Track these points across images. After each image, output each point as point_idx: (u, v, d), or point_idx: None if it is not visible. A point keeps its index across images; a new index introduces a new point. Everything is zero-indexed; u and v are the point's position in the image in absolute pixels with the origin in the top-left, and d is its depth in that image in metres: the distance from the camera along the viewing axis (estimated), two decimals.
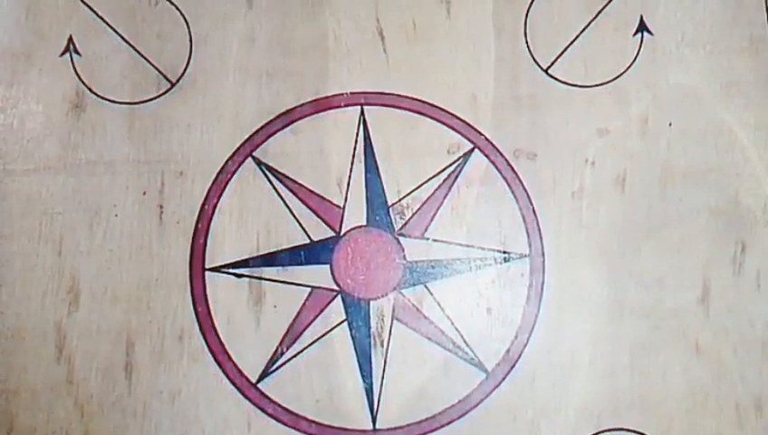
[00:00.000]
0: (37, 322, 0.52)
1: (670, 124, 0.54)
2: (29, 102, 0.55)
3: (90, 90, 0.55)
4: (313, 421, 0.52)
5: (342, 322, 0.53)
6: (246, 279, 0.53)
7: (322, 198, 0.54)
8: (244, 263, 0.53)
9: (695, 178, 0.54)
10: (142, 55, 0.55)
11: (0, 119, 0.55)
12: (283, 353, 0.52)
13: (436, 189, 0.54)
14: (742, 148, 0.55)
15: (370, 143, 0.54)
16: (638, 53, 0.56)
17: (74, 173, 0.54)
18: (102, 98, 0.54)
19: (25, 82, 0.55)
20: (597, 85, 0.55)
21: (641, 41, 0.56)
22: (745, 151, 0.55)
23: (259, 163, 0.54)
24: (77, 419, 0.51)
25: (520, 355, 0.53)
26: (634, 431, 0.52)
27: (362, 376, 0.52)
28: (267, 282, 0.53)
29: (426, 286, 0.53)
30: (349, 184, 0.54)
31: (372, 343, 0.53)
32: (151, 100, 0.54)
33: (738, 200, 0.54)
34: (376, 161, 0.54)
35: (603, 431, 0.52)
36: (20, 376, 0.52)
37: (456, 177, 0.54)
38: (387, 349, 0.53)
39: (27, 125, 0.54)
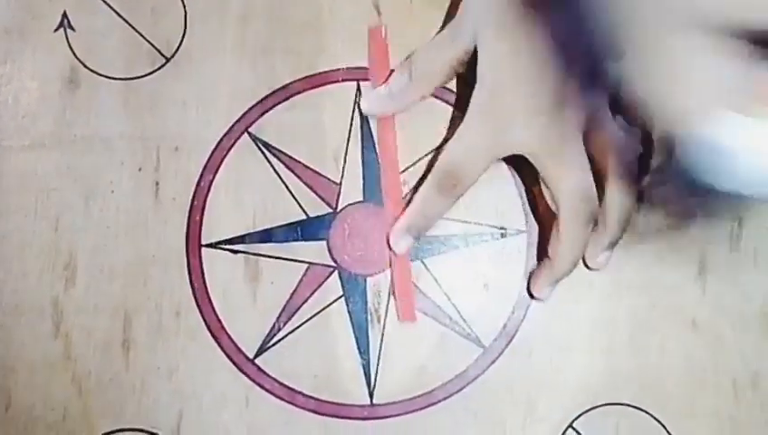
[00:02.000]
0: (34, 298, 0.52)
1: None
2: (23, 79, 0.54)
3: (84, 65, 0.54)
4: (311, 396, 0.52)
5: (339, 298, 0.53)
6: (243, 255, 0.53)
7: (319, 173, 0.53)
8: (240, 239, 0.53)
9: None
10: (137, 30, 0.54)
11: None
12: (280, 329, 0.52)
13: None
14: None
15: (367, 119, 0.54)
16: None
17: (70, 150, 0.54)
18: (97, 73, 0.54)
19: (19, 58, 0.55)
20: None
21: None
22: None
23: (255, 139, 0.54)
24: (75, 394, 0.52)
25: (517, 330, 0.53)
26: (631, 407, 0.52)
27: (359, 351, 0.52)
28: (264, 258, 0.53)
29: (423, 262, 0.53)
30: (345, 160, 0.53)
31: (369, 318, 0.53)
32: (146, 75, 0.54)
33: None
34: (373, 137, 0.54)
35: (600, 406, 0.52)
36: (17, 352, 0.52)
37: None
38: (384, 325, 0.53)
39: (22, 101, 0.54)
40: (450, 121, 0.54)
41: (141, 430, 0.52)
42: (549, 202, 0.50)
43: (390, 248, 0.53)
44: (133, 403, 0.52)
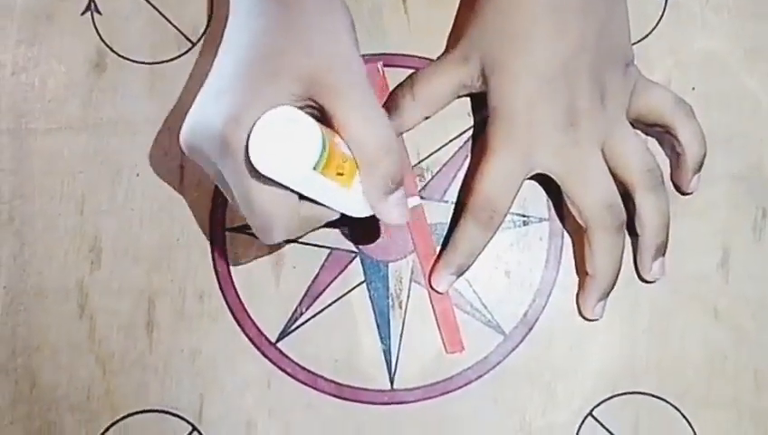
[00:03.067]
0: (59, 280, 0.53)
1: (693, 89, 0.54)
2: (50, 62, 0.55)
3: (111, 49, 0.55)
4: (332, 381, 0.52)
5: (361, 283, 0.53)
6: None
7: None
8: None
9: (717, 144, 0.54)
10: (163, 15, 0.55)
11: (21, 78, 0.55)
12: (302, 314, 0.53)
13: (457, 152, 0.54)
14: (765, 113, 0.55)
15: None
16: (661, 17, 0.55)
17: (96, 133, 0.54)
18: (123, 57, 0.55)
19: (47, 41, 0.55)
20: None
21: (665, 4, 0.55)
22: None
23: None
24: (99, 375, 0.52)
25: (537, 318, 0.53)
26: (651, 395, 0.52)
27: (380, 337, 0.53)
28: (286, 242, 0.53)
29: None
30: None
31: (391, 304, 0.53)
32: (172, 60, 0.54)
33: (761, 166, 0.54)
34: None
35: (620, 395, 0.52)
36: (42, 334, 0.53)
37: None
38: (405, 311, 0.53)
39: (48, 84, 0.55)
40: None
41: (164, 412, 0.52)
42: (577, 218, 0.50)
43: (431, 287, 0.53)
44: (156, 385, 0.52)
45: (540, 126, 0.49)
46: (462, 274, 0.52)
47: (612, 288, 0.51)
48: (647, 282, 0.53)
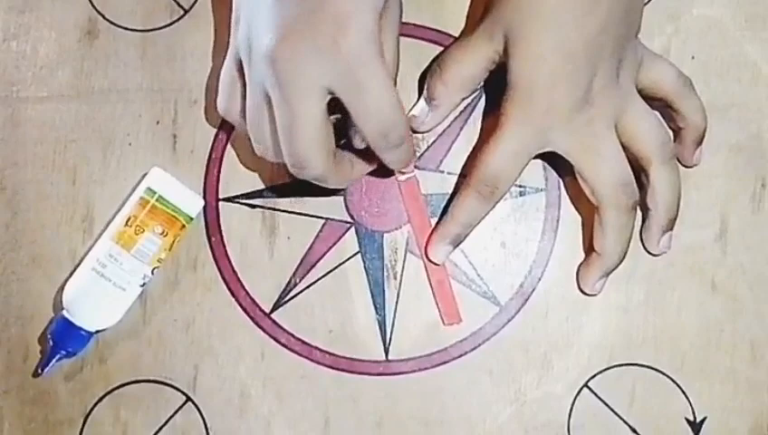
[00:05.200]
0: (52, 249, 0.53)
1: (693, 57, 0.53)
2: (41, 29, 0.54)
3: (103, 16, 0.54)
4: (327, 351, 0.52)
5: (356, 253, 0.53)
6: (260, 209, 0.53)
7: None
8: (258, 193, 0.53)
9: (716, 113, 0.53)
10: None
11: (13, 46, 0.54)
12: (296, 284, 0.52)
13: (452, 122, 0.54)
14: (765, 83, 0.54)
15: None
16: None
17: (87, 101, 0.53)
18: (115, 25, 0.54)
19: (38, 8, 0.54)
20: None
21: None
22: None
23: None
24: (92, 346, 0.52)
25: (533, 289, 0.53)
26: (647, 367, 0.52)
27: (375, 308, 0.52)
28: (281, 212, 0.53)
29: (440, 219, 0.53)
30: None
31: (386, 275, 0.53)
32: (164, 27, 0.54)
33: (760, 136, 0.53)
34: None
35: (615, 366, 0.52)
36: (35, 303, 0.52)
37: (473, 109, 0.54)
38: (400, 281, 0.53)
39: (40, 52, 0.54)
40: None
41: (158, 382, 0.52)
42: (589, 196, 0.50)
43: (428, 257, 0.52)
44: (150, 355, 0.52)
45: (559, 106, 0.48)
46: (458, 245, 0.52)
47: (617, 267, 0.51)
48: (653, 255, 0.52)
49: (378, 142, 0.44)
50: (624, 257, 0.51)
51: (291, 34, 0.41)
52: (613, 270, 0.51)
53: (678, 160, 0.52)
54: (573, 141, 0.49)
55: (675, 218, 0.51)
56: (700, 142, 0.52)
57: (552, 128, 0.48)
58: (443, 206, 0.53)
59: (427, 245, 0.52)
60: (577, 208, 0.53)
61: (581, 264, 0.52)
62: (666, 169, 0.50)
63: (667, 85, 0.51)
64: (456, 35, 0.54)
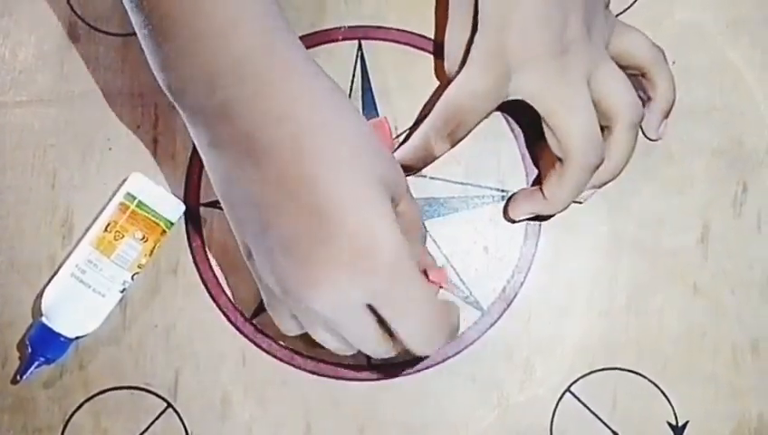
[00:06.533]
0: (31, 255, 0.52)
1: (674, 62, 0.53)
2: (21, 33, 0.54)
3: (83, 20, 0.54)
4: (308, 356, 0.52)
5: None
6: None
7: None
8: None
9: (698, 117, 0.53)
10: None
11: None
12: None
13: None
14: (747, 87, 0.54)
15: (368, 78, 0.53)
16: None
17: (67, 105, 0.53)
18: (96, 29, 0.54)
19: (17, 11, 0.54)
20: None
21: None
22: (750, 91, 0.54)
23: None
24: (72, 352, 0.51)
25: (516, 294, 0.53)
26: (629, 371, 0.52)
27: None
28: None
29: (422, 224, 0.53)
30: None
31: None
32: None
33: (741, 141, 0.54)
34: (374, 97, 0.53)
35: (598, 371, 0.52)
36: (14, 308, 0.52)
37: None
38: None
39: (19, 56, 0.54)
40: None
41: (138, 388, 0.52)
42: (554, 150, 0.49)
43: None
44: (130, 361, 0.52)
45: (530, 49, 0.47)
46: (408, 174, 0.51)
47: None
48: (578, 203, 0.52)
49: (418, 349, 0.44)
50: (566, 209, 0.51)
51: (316, 271, 0.40)
52: (552, 216, 0.51)
53: (644, 134, 0.52)
54: (545, 89, 0.48)
55: (612, 180, 0.51)
56: (667, 115, 0.52)
57: (522, 72, 0.48)
58: (424, 210, 0.53)
59: None
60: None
61: (521, 191, 0.52)
62: (628, 134, 0.49)
63: (639, 53, 0.51)
64: (439, 41, 0.53)
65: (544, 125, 0.49)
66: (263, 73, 0.41)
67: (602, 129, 0.49)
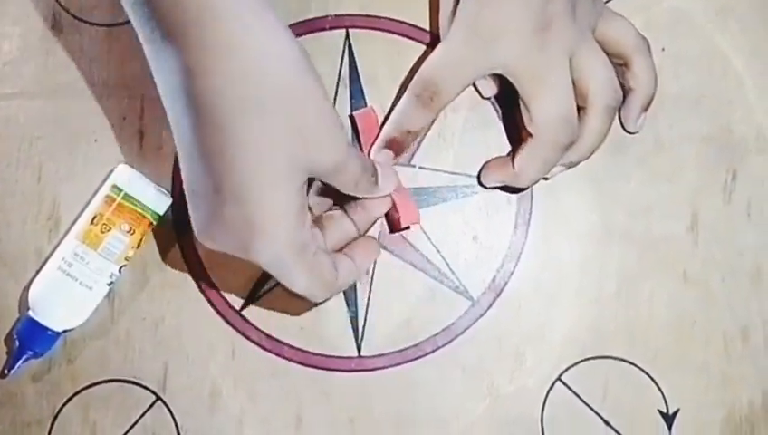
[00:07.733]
0: (18, 248, 0.52)
1: (663, 49, 0.53)
2: (5, 25, 0.53)
3: (67, 11, 0.53)
4: (298, 348, 0.52)
5: None
6: None
7: None
8: None
9: (687, 105, 0.53)
10: None
11: None
12: (267, 281, 0.52)
13: None
14: (736, 75, 0.54)
15: (356, 67, 0.53)
16: None
17: (52, 97, 0.53)
18: (80, 20, 0.53)
19: (1, 3, 0.53)
20: None
21: None
22: (739, 78, 0.54)
23: None
24: (60, 346, 0.51)
25: (506, 283, 0.52)
26: (619, 359, 0.52)
27: (347, 303, 0.52)
28: None
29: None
30: (334, 106, 0.52)
31: None
32: (129, 21, 0.53)
33: (730, 128, 0.53)
34: (362, 86, 0.53)
35: (588, 359, 0.52)
36: (1, 303, 0.52)
37: None
38: (372, 277, 0.52)
39: (4, 48, 0.53)
40: None
41: (127, 381, 0.51)
42: (526, 124, 0.49)
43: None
44: (118, 355, 0.52)
45: (510, 21, 0.47)
46: (399, 154, 0.51)
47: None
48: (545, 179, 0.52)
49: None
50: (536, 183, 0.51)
51: (206, 237, 0.44)
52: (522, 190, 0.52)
53: (622, 125, 0.52)
54: (524, 64, 0.48)
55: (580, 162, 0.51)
56: (646, 108, 0.52)
57: (501, 45, 0.48)
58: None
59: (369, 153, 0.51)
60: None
61: (496, 159, 0.52)
62: (603, 117, 0.49)
63: (624, 41, 0.51)
64: (428, 29, 0.53)
65: (521, 102, 0.49)
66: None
67: (579, 110, 0.49)
